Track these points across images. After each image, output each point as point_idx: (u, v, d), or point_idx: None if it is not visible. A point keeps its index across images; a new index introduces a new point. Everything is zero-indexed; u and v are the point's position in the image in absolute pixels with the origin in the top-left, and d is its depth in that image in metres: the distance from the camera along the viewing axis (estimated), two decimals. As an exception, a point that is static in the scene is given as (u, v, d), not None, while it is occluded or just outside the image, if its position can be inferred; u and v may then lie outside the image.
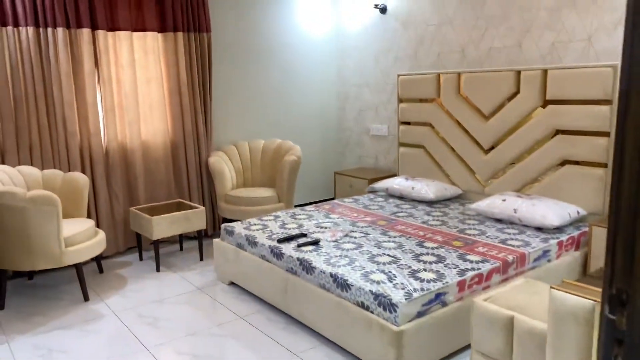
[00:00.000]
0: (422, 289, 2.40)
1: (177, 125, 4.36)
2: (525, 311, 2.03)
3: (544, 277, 2.93)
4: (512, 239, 3.07)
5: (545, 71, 3.52)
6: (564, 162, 3.53)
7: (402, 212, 3.81)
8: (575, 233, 3.20)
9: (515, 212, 3.35)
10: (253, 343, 2.76)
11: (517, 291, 2.24)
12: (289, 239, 3.19)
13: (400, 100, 4.62)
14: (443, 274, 2.56)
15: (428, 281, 2.48)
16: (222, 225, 3.61)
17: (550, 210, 3.22)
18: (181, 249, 4.36)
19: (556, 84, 3.44)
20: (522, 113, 3.70)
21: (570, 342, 1.62)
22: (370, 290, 2.42)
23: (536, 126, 3.61)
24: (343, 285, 2.57)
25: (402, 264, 2.71)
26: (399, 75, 4.57)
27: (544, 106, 3.57)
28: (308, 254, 2.92)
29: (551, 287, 1.67)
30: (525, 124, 3.69)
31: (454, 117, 4.18)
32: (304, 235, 3.27)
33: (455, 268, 2.64)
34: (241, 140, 4.91)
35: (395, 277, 2.54)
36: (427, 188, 4.04)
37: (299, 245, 3.06)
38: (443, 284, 2.46)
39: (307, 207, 4.02)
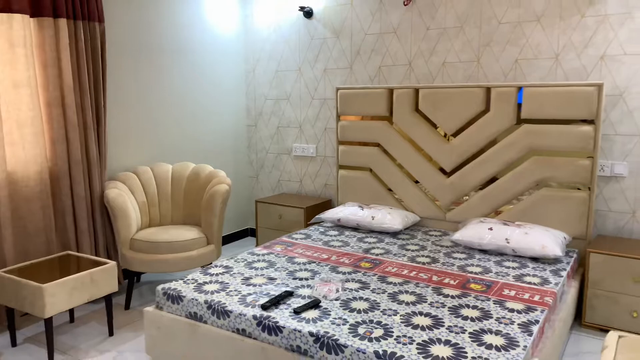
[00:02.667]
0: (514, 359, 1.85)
1: (59, 148, 3.12)
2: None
3: (566, 318, 2.62)
4: (529, 275, 2.72)
5: (520, 87, 3.30)
6: (539, 185, 3.34)
7: (374, 248, 3.22)
8: (571, 261, 2.99)
9: (507, 242, 3.02)
10: None
11: (629, 352, 1.82)
12: (275, 302, 2.36)
13: (340, 117, 4.05)
14: (513, 339, 2.04)
15: (501, 348, 1.94)
16: (160, 288, 2.58)
17: (548, 239, 2.96)
18: (72, 319, 3.11)
19: (533, 102, 3.24)
20: (491, 133, 3.43)
21: None
22: (454, 375, 1.78)
23: (509, 147, 3.37)
24: (400, 368, 1.88)
25: (452, 326, 2.12)
26: (337, 89, 4.00)
27: (518, 125, 3.35)
28: (319, 323, 2.15)
29: None
30: (496, 144, 3.43)
31: (409, 137, 3.76)
32: (291, 294, 2.47)
33: (511, 324, 2.15)
34: (140, 165, 3.79)
35: (463, 349, 1.94)
36: (390, 217, 3.53)
37: (296, 311, 2.26)
38: (523, 348, 1.95)
39: (257, 250, 3.18)
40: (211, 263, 3.53)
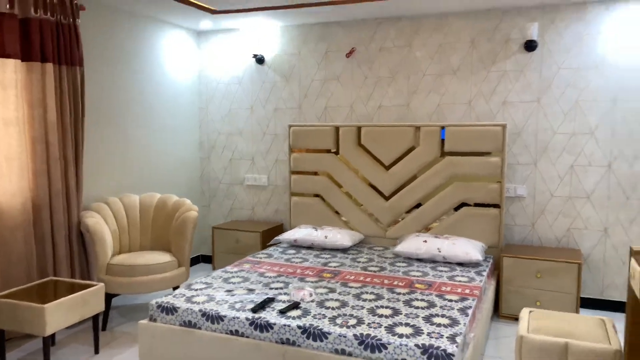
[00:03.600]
0: (456, 334, 2.44)
1: (41, 181, 3.36)
2: (571, 337, 2.30)
3: (488, 308, 3.30)
4: (459, 276, 3.38)
5: (443, 127, 4.06)
6: (460, 205, 4.09)
7: (330, 262, 3.75)
8: (489, 264, 3.72)
9: (439, 251, 3.70)
10: None
11: (537, 319, 2.50)
12: (261, 306, 2.80)
13: (292, 150, 4.60)
14: (454, 318, 2.66)
15: (446, 326, 2.54)
16: (154, 302, 2.91)
17: (470, 247, 3.68)
18: (53, 343, 3.29)
19: (453, 138, 4.00)
20: (421, 163, 4.15)
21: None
22: (416, 345, 2.34)
23: (435, 174, 4.10)
24: (375, 346, 2.40)
25: (408, 314, 2.70)
26: (290, 126, 4.56)
27: (442, 157, 4.10)
28: (303, 319, 2.63)
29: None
30: (425, 172, 4.15)
31: (354, 167, 4.38)
32: (272, 299, 2.92)
33: (450, 309, 2.77)
34: (109, 196, 4.06)
35: (420, 328, 2.51)
36: (340, 236, 4.09)
37: (282, 312, 2.72)
38: (463, 325, 2.56)
39: (229, 268, 3.58)
40: (179, 286, 3.85)
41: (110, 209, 3.89)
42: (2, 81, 3.12)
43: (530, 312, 2.66)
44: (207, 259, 5.31)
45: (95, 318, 3.14)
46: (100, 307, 3.13)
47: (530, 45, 3.93)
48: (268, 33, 4.80)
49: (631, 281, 2.10)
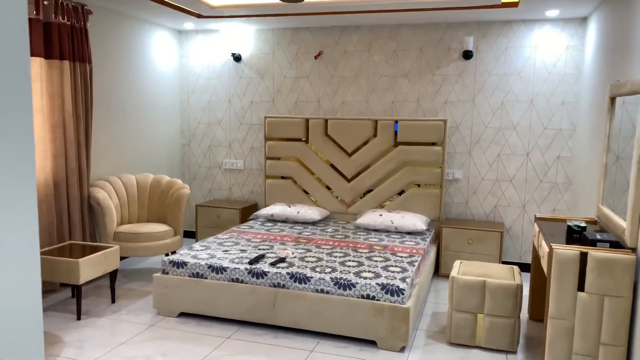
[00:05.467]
0: (406, 277, 3.28)
1: (59, 162, 3.93)
2: (486, 276, 3.18)
3: (430, 267, 4.19)
4: (407, 241, 4.24)
5: (396, 121, 4.90)
6: (408, 186, 4.96)
7: (303, 231, 4.52)
8: (431, 233, 4.61)
9: (392, 223, 4.54)
10: (258, 354, 3.05)
11: (465, 267, 3.37)
12: (255, 260, 3.54)
13: (267, 139, 5.31)
14: (404, 268, 3.50)
15: (398, 272, 3.38)
16: (166, 259, 3.58)
17: (417, 220, 4.55)
18: (73, 295, 3.89)
19: (405, 130, 4.85)
20: (378, 151, 4.98)
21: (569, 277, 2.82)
22: (377, 284, 3.15)
23: (389, 161, 4.94)
24: (346, 285, 3.20)
25: (370, 265, 3.51)
26: (265, 117, 5.27)
27: (395, 146, 4.94)
28: (290, 268, 3.39)
29: (553, 247, 2.84)
30: (381, 159, 4.98)
31: (321, 154, 5.16)
32: (263, 256, 3.66)
33: (401, 262, 3.61)
34: (108, 175, 4.63)
35: (379, 273, 3.33)
36: (310, 212, 4.86)
37: (272, 264, 3.47)
38: (411, 271, 3.40)
39: (220, 236, 4.27)
40: (175, 251, 4.51)
41: (112, 186, 4.48)
42: (31, 76, 3.66)
43: (461, 262, 3.54)
44: (188, 234, 5.94)
45: (112, 274, 3.76)
46: (117, 264, 3.76)
47: (467, 54, 4.82)
48: (245, 34, 5.46)
49: (533, 238, 3.00)
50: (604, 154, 3.28)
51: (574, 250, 2.58)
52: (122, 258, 4.74)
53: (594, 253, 2.55)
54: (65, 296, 3.92)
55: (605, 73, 3.63)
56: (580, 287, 2.58)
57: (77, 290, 3.43)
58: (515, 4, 4.03)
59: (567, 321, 2.61)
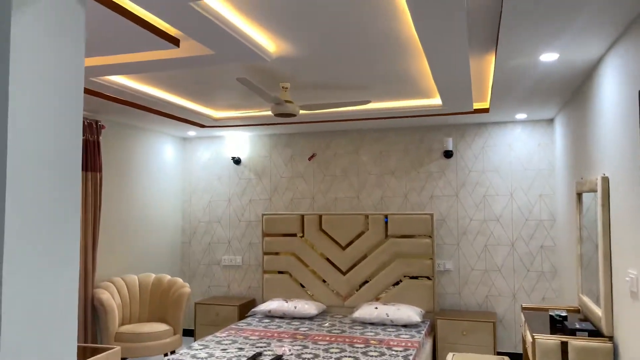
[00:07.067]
0: (400, 371, 3.38)
1: (66, 263, 4.13)
2: (478, 366, 3.29)
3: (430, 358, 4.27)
4: (403, 335, 4.35)
5: (386, 215, 5.19)
6: (402, 278, 5.13)
7: (301, 327, 4.62)
8: (426, 325, 4.71)
9: (387, 316, 4.66)
10: None
11: (458, 359, 3.48)
12: (252, 359, 3.63)
13: (265, 235, 5.56)
14: None
15: (394, 366, 3.47)
16: (166, 359, 3.67)
17: (411, 312, 4.68)
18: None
19: (395, 224, 5.13)
20: (370, 244, 5.21)
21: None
22: (372, 378, 3.25)
23: (381, 253, 5.16)
24: (343, 381, 3.29)
25: (367, 359, 3.61)
26: (263, 215, 5.56)
27: (386, 239, 5.19)
28: (288, 365, 3.49)
29: (535, 337, 2.99)
30: (374, 251, 5.20)
31: (316, 248, 5.38)
32: (260, 354, 3.75)
33: (396, 357, 3.71)
34: (111, 275, 4.81)
35: (375, 367, 3.43)
36: (307, 306, 4.99)
37: (270, 362, 3.57)
38: (405, 365, 3.50)
39: (218, 334, 4.37)
40: (174, 351, 4.57)
41: (115, 287, 4.64)
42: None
43: (453, 355, 3.64)
44: (186, 332, 5.98)
45: (112, 377, 3.82)
46: (117, 367, 3.83)
47: (447, 154, 5.22)
48: (244, 139, 5.91)
49: (522, 328, 3.16)
50: (577, 245, 3.53)
51: (554, 340, 2.75)
52: (122, 359, 4.77)
53: (573, 342, 2.71)
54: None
55: (572, 170, 3.98)
56: (565, 376, 2.71)
57: (78, 394, 3.48)
58: (486, 110, 4.49)
59: (556, 411, 2.71)
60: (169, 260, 5.85)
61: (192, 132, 5.69)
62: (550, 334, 2.91)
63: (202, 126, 5.33)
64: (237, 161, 5.90)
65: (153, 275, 4.97)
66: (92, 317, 4.36)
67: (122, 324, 4.60)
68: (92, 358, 3.60)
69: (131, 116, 4.73)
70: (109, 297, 4.34)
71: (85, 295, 4.30)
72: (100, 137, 4.53)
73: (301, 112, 4.58)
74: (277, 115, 3.70)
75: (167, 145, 5.82)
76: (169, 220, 5.86)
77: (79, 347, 3.92)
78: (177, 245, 6.01)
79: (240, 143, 5.93)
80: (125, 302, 4.67)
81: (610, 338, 2.74)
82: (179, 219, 6.06)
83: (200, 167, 6.08)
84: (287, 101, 3.64)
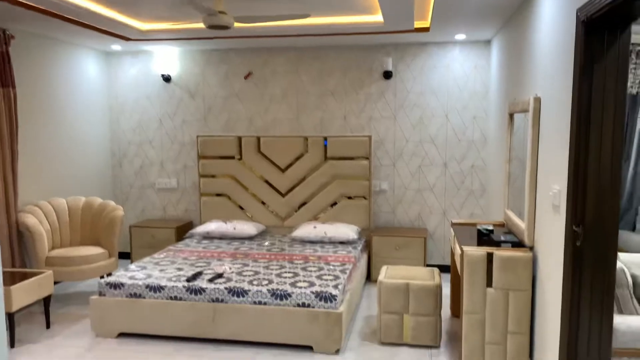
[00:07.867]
0: (338, 284, 3.51)
1: (-17, 186, 3.83)
2: (409, 279, 3.48)
3: (362, 273, 4.47)
4: (340, 251, 4.49)
5: (325, 137, 5.17)
6: (339, 199, 5.23)
7: (241, 247, 4.65)
8: (362, 242, 4.89)
9: (326, 234, 4.79)
10: (208, 367, 3.17)
11: (391, 271, 3.66)
12: (193, 277, 3.63)
13: (201, 157, 5.40)
14: (336, 275, 3.73)
15: (331, 279, 3.61)
16: (102, 281, 3.60)
17: (348, 230, 4.82)
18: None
19: (334, 146, 5.13)
20: (309, 166, 5.22)
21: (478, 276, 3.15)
22: (311, 292, 3.36)
23: (321, 175, 5.20)
24: (283, 295, 3.38)
25: (305, 275, 3.72)
26: (198, 137, 5.36)
27: (325, 161, 5.21)
28: (228, 283, 3.52)
29: (464, 249, 3.17)
30: (313, 173, 5.23)
31: (255, 171, 5.32)
32: (200, 273, 3.76)
33: (334, 271, 3.85)
34: (38, 200, 4.54)
35: (314, 282, 3.55)
36: (246, 227, 5.01)
37: (210, 280, 3.59)
38: (343, 279, 3.64)
39: (156, 255, 4.31)
40: (111, 273, 4.48)
41: (42, 211, 4.39)
42: (-49, 101, 3.57)
43: (387, 267, 3.83)
44: (123, 256, 5.86)
45: (45, 299, 3.71)
46: (50, 289, 3.71)
47: (387, 74, 5.19)
48: (174, 55, 5.55)
49: (451, 242, 3.32)
50: (506, 164, 3.71)
51: (481, 251, 2.93)
52: (55, 283, 4.62)
53: (498, 253, 2.91)
54: (-6, 327, 3.81)
55: (506, 91, 4.09)
56: (489, 284, 2.93)
57: (10, 318, 3.36)
58: (426, 29, 4.44)
59: (479, 315, 2.95)
60: (99, 183, 5.59)
61: (117, 45, 5.24)
62: (478, 246, 3.10)
63: (127, 39, 4.91)
64: (167, 79, 5.56)
65: (83, 199, 4.75)
66: (18, 242, 4.14)
67: (52, 248, 4.41)
68: (23, 282, 3.46)
69: (45, 26, 4.25)
70: (36, 221, 4.12)
71: (8, 220, 4.05)
72: (10, 48, 4.07)
73: (236, 25, 4.31)
74: (210, 27, 3.44)
75: (89, 60, 5.36)
76: (95, 142, 5.53)
77: (7, 272, 3.75)
78: (106, 168, 5.73)
79: (170, 59, 5.57)
80: (55, 227, 4.46)
81: (531, 248, 2.96)
82: (106, 140, 5.73)
83: (127, 85, 5.69)
84: (220, 12, 3.38)
